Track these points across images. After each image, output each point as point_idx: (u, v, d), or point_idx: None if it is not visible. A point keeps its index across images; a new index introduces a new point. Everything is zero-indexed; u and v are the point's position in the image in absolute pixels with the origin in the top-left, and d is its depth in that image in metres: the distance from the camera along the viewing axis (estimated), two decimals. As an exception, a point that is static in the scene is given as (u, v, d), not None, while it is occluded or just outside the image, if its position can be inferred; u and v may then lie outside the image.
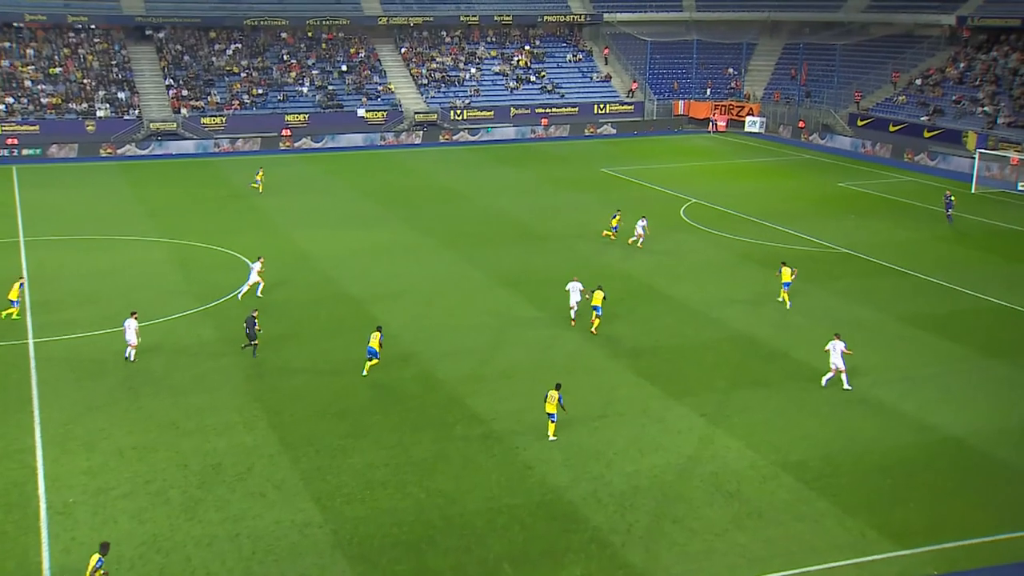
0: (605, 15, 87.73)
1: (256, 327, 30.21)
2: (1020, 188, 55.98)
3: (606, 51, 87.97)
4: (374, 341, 28.98)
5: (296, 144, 72.34)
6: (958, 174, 60.48)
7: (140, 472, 23.22)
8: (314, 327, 33.26)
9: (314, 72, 79.35)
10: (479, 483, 22.87)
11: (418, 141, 75.24)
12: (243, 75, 77.21)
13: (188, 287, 37.56)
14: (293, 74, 78.43)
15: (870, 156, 68.82)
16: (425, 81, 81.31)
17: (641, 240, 43.11)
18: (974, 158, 58.75)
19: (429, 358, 30.43)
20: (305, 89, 77.46)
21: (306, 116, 74.88)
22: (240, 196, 54.64)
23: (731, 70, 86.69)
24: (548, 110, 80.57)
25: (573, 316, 33.39)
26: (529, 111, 80.00)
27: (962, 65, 74.12)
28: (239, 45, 79.95)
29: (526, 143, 75.66)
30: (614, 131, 79.86)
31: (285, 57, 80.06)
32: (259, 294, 35.93)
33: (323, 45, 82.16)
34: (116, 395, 27.60)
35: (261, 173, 56.49)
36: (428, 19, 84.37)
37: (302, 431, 25.41)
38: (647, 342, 32.02)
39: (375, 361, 29.04)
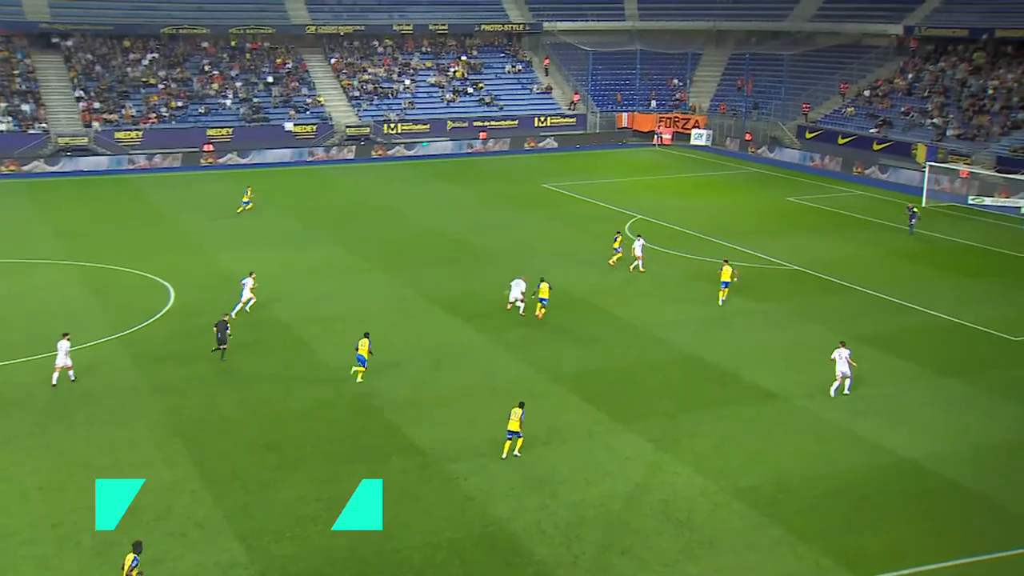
0: (545, 24, 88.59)
1: (228, 331, 31.93)
2: (971, 202, 57.62)
3: (546, 62, 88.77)
4: (363, 348, 30.16)
5: (220, 160, 71.59)
6: (908, 188, 62.09)
7: (46, 515, 22.62)
8: (240, 354, 32.82)
9: (238, 84, 78.70)
10: (417, 516, 22.73)
11: (351, 156, 75.00)
12: (161, 87, 76.25)
13: (103, 313, 36.85)
14: (215, 86, 77.71)
15: (819, 169, 70.34)
16: (357, 93, 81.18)
17: (641, 263, 42.55)
18: (924, 171, 60.34)
19: (363, 385, 30.22)
20: (228, 102, 76.78)
21: (230, 130, 74.18)
22: (159, 216, 53.85)
23: (676, 81, 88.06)
24: (487, 123, 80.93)
25: (510, 306, 36.36)
26: (467, 124, 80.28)
27: (910, 76, 76.28)
28: (156, 55, 78.99)
29: (464, 158, 75.87)
30: (556, 145, 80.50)
31: (206, 68, 79.31)
32: (247, 309, 36.23)
33: (247, 55, 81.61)
34: (20, 430, 26.91)
35: (250, 191, 55.57)
36: (359, 28, 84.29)
37: (227, 466, 25.03)
38: (592, 365, 32.22)
39: (363, 369, 30.31)
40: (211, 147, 72.18)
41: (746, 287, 40.25)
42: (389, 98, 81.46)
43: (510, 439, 25.46)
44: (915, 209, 51.22)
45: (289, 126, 75.73)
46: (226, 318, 32.61)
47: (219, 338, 31.87)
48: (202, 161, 71.06)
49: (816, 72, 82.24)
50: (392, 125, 78.28)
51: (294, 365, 32.00)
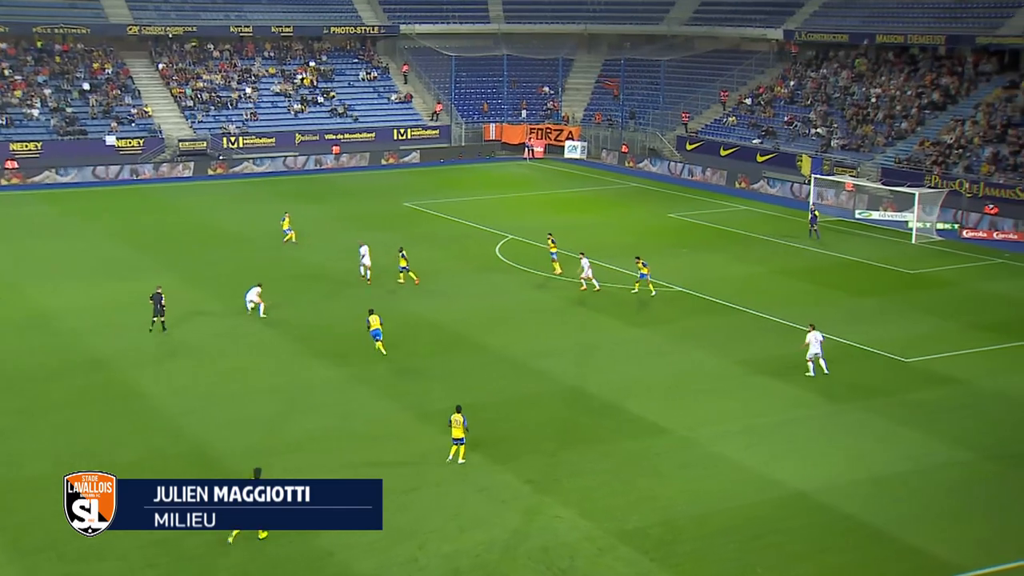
0: (402, 27, 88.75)
1: (162, 302, 37.13)
2: (858, 216, 60.27)
3: (405, 68, 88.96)
4: (375, 323, 35.06)
5: (31, 179, 68.88)
6: (794, 201, 64.55)
7: None
8: (53, 403, 31.55)
9: (46, 91, 75.99)
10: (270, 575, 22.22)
11: (188, 174, 73.19)
12: (-55, 93, 72.96)
13: None
14: (18, 93, 74.79)
15: (701, 183, 72.46)
16: (190, 103, 79.52)
17: (595, 282, 43.51)
18: (809, 184, 62.83)
19: (203, 431, 29.47)
20: (36, 112, 74.03)
21: (39, 144, 71.51)
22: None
23: (547, 89, 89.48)
24: (340, 136, 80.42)
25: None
26: (318, 137, 79.60)
27: (792, 83, 79.54)
28: (-59, 57, 75.63)
29: (315, 175, 75.16)
30: (418, 159, 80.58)
31: (6, 72, 76.21)
32: (262, 314, 39.54)
33: (57, 59, 78.86)
34: None
35: (288, 219, 52.81)
36: (190, 29, 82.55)
37: (39, 535, 23.88)
38: (462, 400, 32.09)
39: (381, 342, 35.20)
40: (14, 164, 69.39)
41: (627, 311, 41.02)
42: (228, 108, 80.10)
43: (456, 445, 27.73)
44: (816, 213, 54.54)
45: (111, 140, 73.50)
46: (159, 289, 37.79)
47: (156, 310, 37.10)
48: (2, 180, 68.11)
49: (695, 79, 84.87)
50: (232, 138, 76.95)
51: (121, 411, 30.91)
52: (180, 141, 75.39)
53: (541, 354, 36.29)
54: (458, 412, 27.58)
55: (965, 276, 48.30)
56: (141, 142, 74.28)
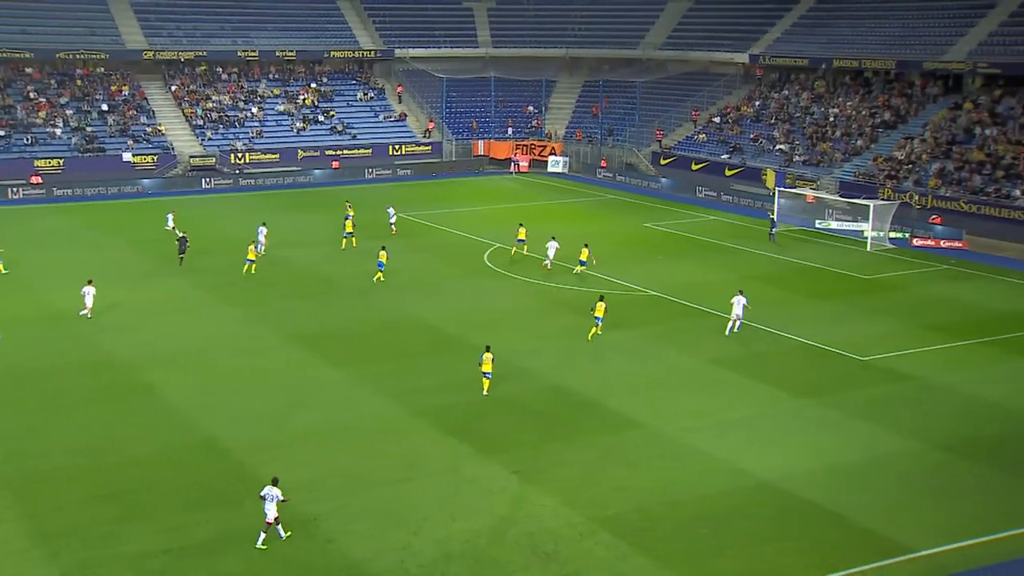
0: (397, 50, 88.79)
1: (187, 244, 47.55)
2: (818, 225, 60.55)
3: (399, 89, 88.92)
4: (382, 256, 44.68)
5: (54, 193, 68.63)
6: (760, 212, 64.75)
7: None
8: (74, 400, 31.45)
9: (68, 112, 75.72)
10: (273, 563, 22.18)
11: (200, 187, 72.94)
12: (-21, 115, 72.67)
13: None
14: (42, 113, 74.56)
15: (674, 195, 72.61)
16: (200, 122, 79.33)
17: (548, 262, 47.72)
18: (773, 196, 63.10)
19: (214, 425, 29.40)
20: (58, 131, 73.77)
21: (61, 161, 71.26)
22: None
23: (531, 108, 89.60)
24: (339, 152, 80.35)
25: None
26: (319, 153, 79.53)
27: (757, 103, 79.89)
28: (-28, 81, 75.28)
29: (317, 187, 75.02)
30: (411, 173, 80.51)
31: (31, 94, 75.96)
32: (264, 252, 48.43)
33: (78, 82, 78.66)
34: None
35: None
36: (201, 53, 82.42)
37: (63, 519, 23.85)
38: (454, 397, 32.24)
39: (381, 272, 44.37)
40: (39, 179, 69.14)
41: (607, 314, 41.14)
42: (235, 127, 79.94)
43: (486, 378, 31.71)
44: (773, 217, 55.93)
45: (127, 156, 73.30)
46: (184, 234, 47.73)
47: (181, 251, 46.68)
48: (18, 194, 67.71)
49: (668, 99, 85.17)
50: (239, 155, 76.80)
51: (136, 408, 30.85)
52: (191, 157, 75.18)
53: (526, 353, 36.34)
54: (488, 351, 31.81)
55: (915, 281, 48.57)
56: (155, 158, 74.07)
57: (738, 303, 38.74)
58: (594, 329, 37.91)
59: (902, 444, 29.11)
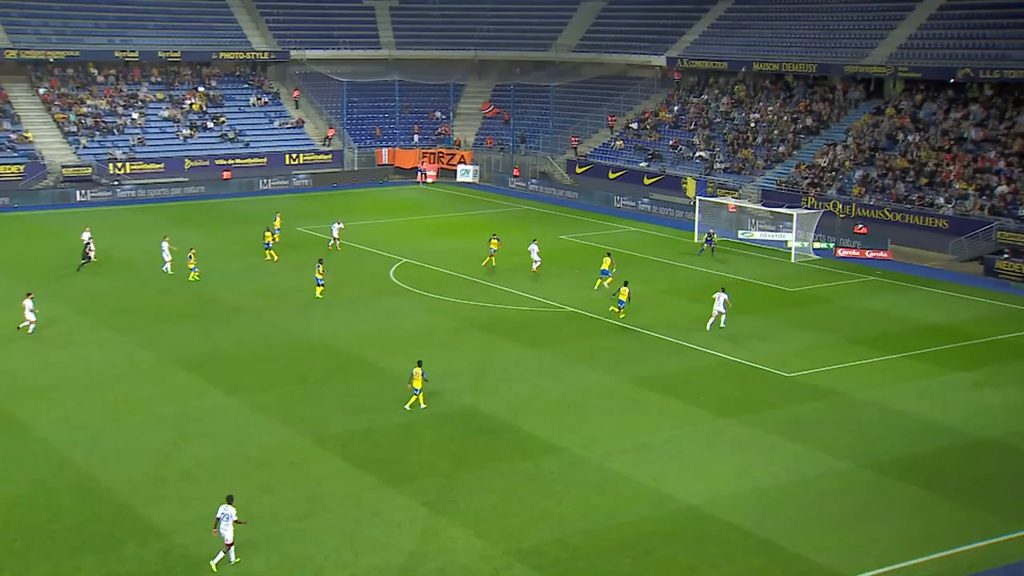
0: (292, 52, 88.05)
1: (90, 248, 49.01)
2: (740, 236, 61.72)
3: (296, 93, 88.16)
4: (319, 272, 45.45)
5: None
6: (681, 222, 65.75)
7: None
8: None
9: (-84, 117, 73.20)
10: (161, 612, 21.65)
11: (74, 200, 71.05)
12: None
13: None
14: None
15: (591, 205, 73.31)
16: (74, 128, 77.40)
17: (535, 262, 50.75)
18: (694, 206, 64.12)
19: (90, 463, 28.59)
20: (-93, 137, 71.25)
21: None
22: None
23: (439, 114, 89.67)
24: (231, 161, 79.23)
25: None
26: (208, 163, 78.31)
27: (676, 108, 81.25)
28: None
29: (206, 200, 73.82)
30: (309, 184, 79.81)
31: None
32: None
33: (-72, 84, 76.11)
34: None
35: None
36: (73, 54, 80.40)
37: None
38: (358, 424, 31.96)
39: (321, 287, 45.44)
40: None
41: (520, 332, 41.27)
42: (114, 134, 78.23)
43: (415, 395, 32.58)
44: (713, 233, 57.06)
45: (-10, 166, 71.13)
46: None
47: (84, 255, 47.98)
48: None
49: (583, 104, 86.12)
50: (119, 164, 75.12)
51: (1, 444, 29.84)
52: (64, 167, 73.27)
53: (436, 375, 36.14)
54: (419, 366, 32.63)
55: (840, 293, 49.80)
56: (22, 168, 71.97)
57: (719, 299, 41.72)
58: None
59: (830, 464, 29.74)
